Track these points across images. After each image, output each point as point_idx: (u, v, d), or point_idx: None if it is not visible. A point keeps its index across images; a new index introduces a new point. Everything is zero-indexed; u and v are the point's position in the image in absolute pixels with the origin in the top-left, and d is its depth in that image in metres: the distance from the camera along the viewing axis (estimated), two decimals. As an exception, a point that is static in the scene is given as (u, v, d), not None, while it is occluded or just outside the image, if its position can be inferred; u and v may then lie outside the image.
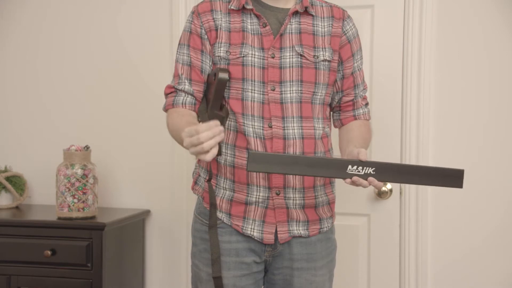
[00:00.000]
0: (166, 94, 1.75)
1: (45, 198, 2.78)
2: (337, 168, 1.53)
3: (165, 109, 1.75)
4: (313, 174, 1.55)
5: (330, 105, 1.80)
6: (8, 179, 2.69)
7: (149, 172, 2.68)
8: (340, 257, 2.48)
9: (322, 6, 1.74)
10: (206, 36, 1.69)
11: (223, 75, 1.63)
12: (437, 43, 2.38)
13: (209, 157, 1.39)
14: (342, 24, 1.73)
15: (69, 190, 2.40)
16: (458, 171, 1.57)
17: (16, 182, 2.72)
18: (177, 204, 2.62)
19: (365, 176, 1.52)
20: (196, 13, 1.71)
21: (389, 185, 2.44)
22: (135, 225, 2.61)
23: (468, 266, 2.37)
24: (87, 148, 2.49)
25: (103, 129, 2.73)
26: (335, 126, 1.85)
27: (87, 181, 2.43)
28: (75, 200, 2.41)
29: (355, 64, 1.76)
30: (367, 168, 1.53)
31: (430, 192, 2.39)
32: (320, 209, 1.72)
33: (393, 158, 2.43)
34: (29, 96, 2.82)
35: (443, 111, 2.38)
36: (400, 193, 2.43)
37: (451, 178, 1.56)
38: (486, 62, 2.34)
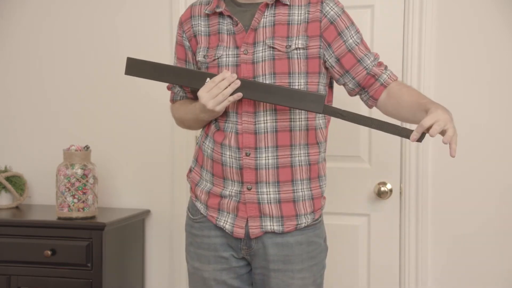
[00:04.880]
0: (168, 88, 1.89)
1: (45, 198, 2.78)
2: (196, 79, 1.64)
3: (170, 101, 1.91)
4: (175, 82, 1.69)
5: (348, 92, 1.75)
6: (8, 179, 2.69)
7: (149, 172, 2.68)
8: (340, 257, 2.50)
9: None
10: (188, 44, 1.77)
11: None
12: (437, 43, 2.38)
13: (224, 104, 1.60)
14: (320, 7, 1.66)
15: (69, 190, 2.40)
16: (319, 95, 1.59)
17: (16, 182, 2.72)
18: (177, 204, 2.62)
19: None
20: (180, 23, 1.79)
21: (389, 185, 2.44)
22: (135, 225, 2.61)
23: (468, 266, 2.37)
24: (87, 148, 2.49)
25: (103, 129, 2.73)
26: (369, 107, 1.75)
27: (87, 181, 2.43)
28: (75, 200, 2.41)
29: (349, 41, 1.68)
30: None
31: (430, 192, 2.39)
32: (299, 203, 1.69)
33: (393, 158, 2.43)
34: (29, 96, 2.82)
35: (443, 111, 2.38)
36: (400, 193, 2.43)
37: (312, 102, 1.59)
38: (486, 62, 2.34)
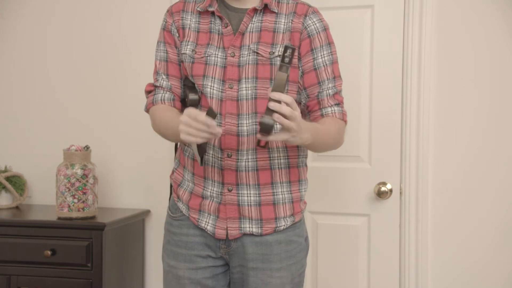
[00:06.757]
0: (147, 93, 1.81)
1: (45, 198, 2.78)
2: None
3: (147, 109, 1.81)
4: None
5: (301, 111, 1.71)
6: (8, 179, 2.69)
7: (149, 172, 2.68)
8: (340, 257, 2.50)
9: (288, 3, 1.73)
10: (177, 34, 1.75)
11: (193, 96, 1.70)
12: (437, 43, 2.38)
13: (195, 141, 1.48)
14: (303, 19, 1.70)
15: (69, 190, 2.40)
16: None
17: (16, 182, 2.72)
18: (177, 204, 2.62)
19: None
20: (169, 12, 1.78)
21: (389, 185, 2.44)
22: (135, 225, 2.61)
23: (468, 266, 2.37)
24: (87, 148, 2.49)
25: (103, 129, 2.73)
26: None
27: (87, 181, 2.43)
28: (75, 200, 2.41)
29: (318, 60, 1.69)
30: None
31: (430, 192, 2.39)
32: (279, 206, 1.70)
33: (393, 158, 2.43)
34: (29, 96, 2.82)
35: (443, 111, 2.38)
36: (400, 193, 2.43)
37: None
38: (486, 62, 2.34)
